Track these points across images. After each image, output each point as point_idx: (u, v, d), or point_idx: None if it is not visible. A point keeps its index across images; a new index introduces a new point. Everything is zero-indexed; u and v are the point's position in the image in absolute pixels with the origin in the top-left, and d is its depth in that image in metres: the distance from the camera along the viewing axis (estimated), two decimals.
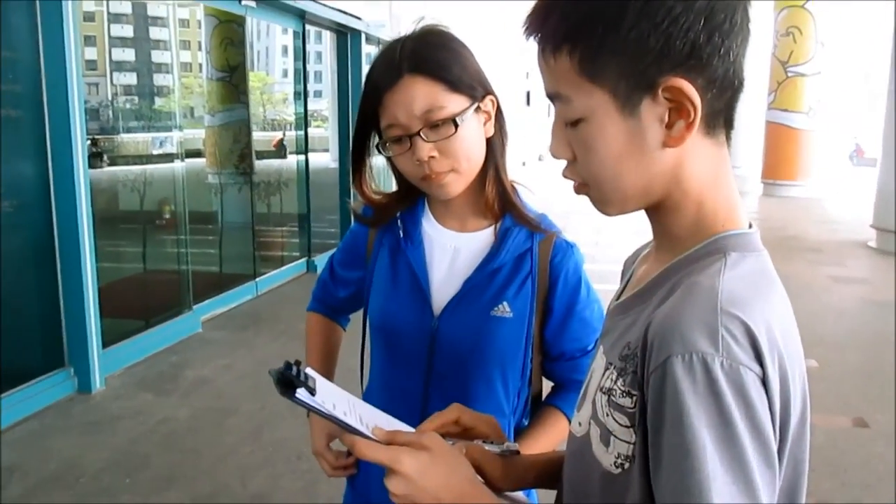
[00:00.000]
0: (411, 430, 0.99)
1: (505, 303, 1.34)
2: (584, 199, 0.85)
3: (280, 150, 8.81)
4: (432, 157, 1.27)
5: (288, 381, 0.88)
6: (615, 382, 0.78)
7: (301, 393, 0.89)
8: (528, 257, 1.37)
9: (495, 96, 1.36)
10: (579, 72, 0.75)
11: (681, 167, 0.77)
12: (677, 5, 0.71)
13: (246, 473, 3.58)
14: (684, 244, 0.80)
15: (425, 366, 1.37)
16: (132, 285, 5.86)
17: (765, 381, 0.67)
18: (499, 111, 1.37)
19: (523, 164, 18.55)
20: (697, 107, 0.73)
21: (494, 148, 1.37)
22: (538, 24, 0.79)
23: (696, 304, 0.70)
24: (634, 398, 0.74)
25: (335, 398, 0.96)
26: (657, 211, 0.82)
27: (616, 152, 0.77)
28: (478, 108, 1.31)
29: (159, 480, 3.52)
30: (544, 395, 1.49)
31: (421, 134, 1.26)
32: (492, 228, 1.40)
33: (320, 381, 0.94)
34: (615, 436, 0.77)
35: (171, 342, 5.46)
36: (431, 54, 1.28)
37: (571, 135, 0.80)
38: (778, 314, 0.74)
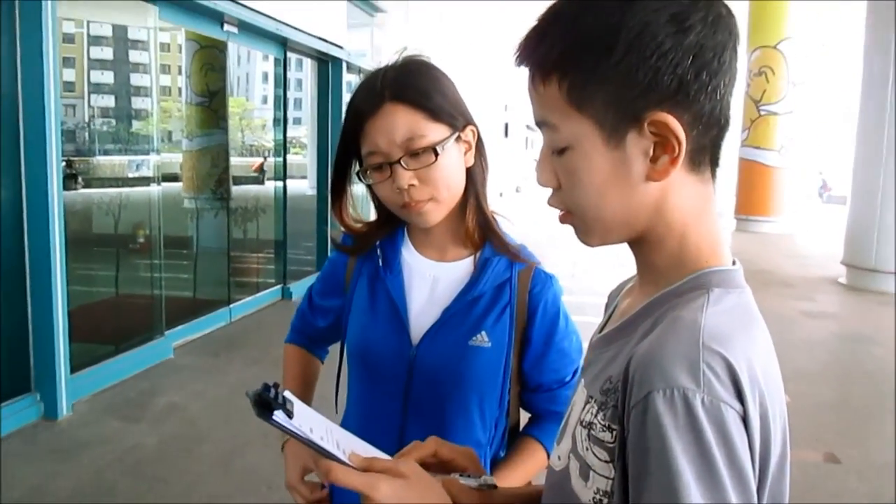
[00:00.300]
0: (388, 458, 0.98)
1: (483, 332, 1.34)
2: (561, 232, 0.85)
3: (261, 175, 8.77)
4: (412, 185, 1.28)
5: (265, 402, 0.87)
6: (595, 416, 0.77)
7: (278, 415, 0.87)
8: (508, 287, 1.37)
9: (476, 127, 1.37)
10: (567, 100, 0.76)
11: (664, 201, 0.78)
12: (667, 41, 0.72)
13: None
14: (667, 278, 0.80)
15: (403, 394, 1.36)
16: (103, 309, 5.76)
17: (745, 419, 0.67)
18: (479, 141, 1.38)
19: (500, 195, 18.67)
20: (682, 142, 0.73)
21: (475, 177, 1.37)
22: (529, 51, 0.79)
23: (679, 339, 0.70)
24: (614, 433, 0.73)
25: (313, 422, 0.95)
26: (640, 244, 0.82)
27: (600, 182, 0.77)
28: (458, 138, 1.32)
29: None
30: (521, 426, 1.48)
31: (401, 162, 1.27)
32: (471, 258, 1.39)
33: (298, 405, 0.93)
34: (594, 470, 0.76)
35: (141, 368, 5.36)
36: (413, 83, 1.30)
37: (557, 163, 0.80)
38: (759, 351, 0.74)
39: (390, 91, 1.28)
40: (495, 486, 1.01)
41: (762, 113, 15.20)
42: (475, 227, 1.38)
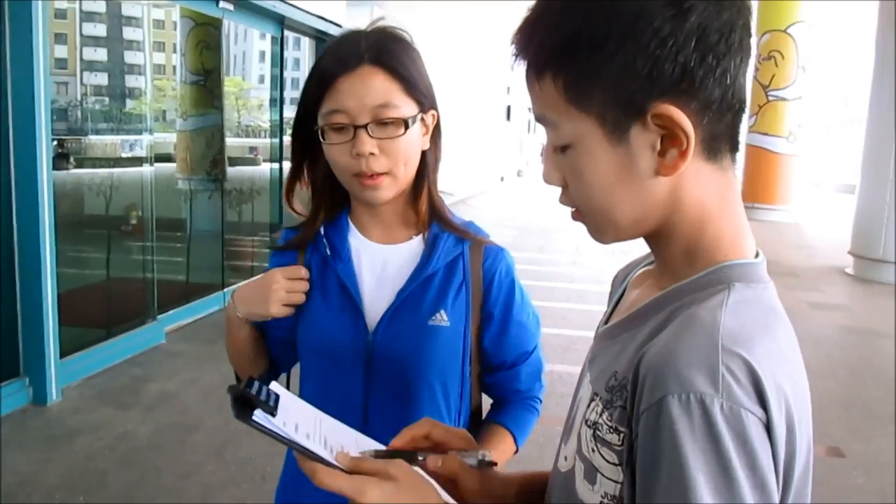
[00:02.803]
0: (381, 447, 0.93)
1: (443, 311, 1.31)
2: (562, 217, 0.78)
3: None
4: (373, 153, 1.23)
5: (245, 400, 0.81)
6: (601, 415, 0.73)
7: (259, 415, 0.81)
8: (460, 263, 1.35)
9: (437, 112, 1.35)
10: (565, 97, 0.72)
11: (679, 194, 0.73)
12: (665, 26, 0.67)
13: (208, 493, 3.45)
14: (684, 271, 0.76)
15: (363, 386, 1.31)
16: (94, 293, 5.68)
17: (768, 426, 0.63)
18: (437, 127, 1.36)
19: (501, 179, 18.53)
20: (690, 134, 0.69)
21: (428, 162, 1.35)
22: (521, 46, 0.76)
23: (695, 339, 0.66)
24: (622, 435, 0.70)
25: (299, 416, 0.89)
26: (656, 238, 0.78)
27: (607, 181, 0.74)
28: (422, 119, 1.30)
29: (116, 499, 3.37)
30: (484, 411, 1.45)
31: (368, 128, 1.23)
32: (420, 237, 1.37)
33: (285, 397, 0.87)
34: (601, 473, 0.73)
35: (132, 353, 5.28)
36: (396, 51, 1.27)
37: (562, 160, 0.76)
38: (784, 352, 0.70)
39: (372, 53, 1.24)
40: (494, 464, 0.97)
41: (770, 98, 14.97)
42: (426, 210, 1.36)
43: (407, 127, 1.25)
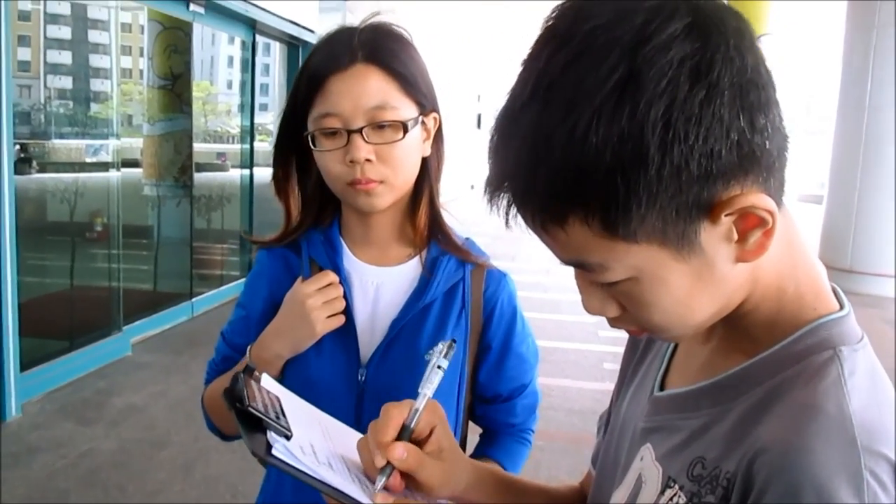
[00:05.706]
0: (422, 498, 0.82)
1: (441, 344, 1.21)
2: None
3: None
4: (368, 160, 1.13)
5: (250, 417, 0.70)
6: None
7: (280, 448, 0.70)
8: (460, 289, 1.25)
9: (440, 115, 1.26)
10: (606, 235, 0.60)
11: (758, 268, 0.66)
12: (705, 110, 0.56)
13: None
14: (770, 336, 0.67)
15: (353, 424, 1.21)
16: (57, 302, 5.53)
17: None
18: (439, 131, 1.26)
19: (472, 187, 18.48)
20: (773, 210, 0.60)
21: (430, 169, 1.26)
22: (516, 191, 0.63)
23: (827, 438, 0.58)
24: None
25: (307, 426, 0.78)
26: (731, 317, 0.69)
27: (681, 296, 0.64)
28: (423, 123, 1.21)
29: None
30: (470, 439, 1.36)
31: (363, 132, 1.13)
32: (417, 259, 1.26)
33: (284, 398, 0.77)
34: None
35: (97, 365, 5.13)
36: (392, 48, 1.18)
37: (613, 291, 0.66)
38: None
39: (366, 51, 1.15)
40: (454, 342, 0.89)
41: None
42: (426, 224, 1.26)
43: (406, 131, 1.15)
